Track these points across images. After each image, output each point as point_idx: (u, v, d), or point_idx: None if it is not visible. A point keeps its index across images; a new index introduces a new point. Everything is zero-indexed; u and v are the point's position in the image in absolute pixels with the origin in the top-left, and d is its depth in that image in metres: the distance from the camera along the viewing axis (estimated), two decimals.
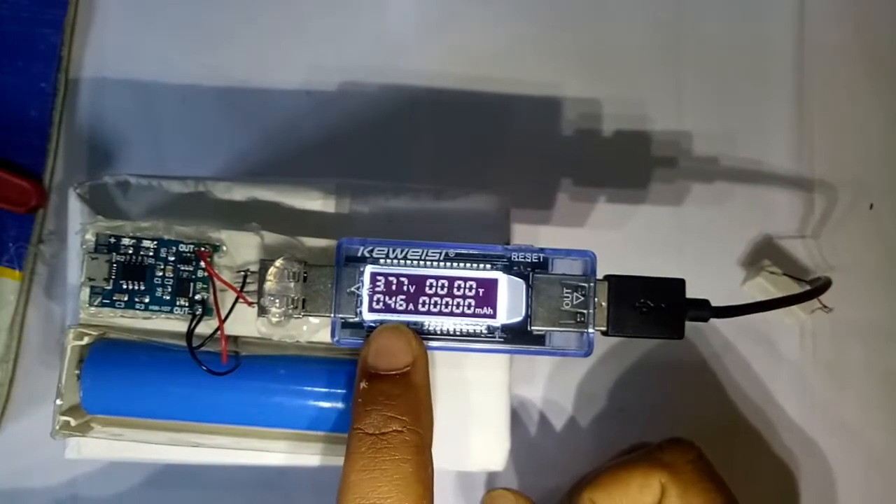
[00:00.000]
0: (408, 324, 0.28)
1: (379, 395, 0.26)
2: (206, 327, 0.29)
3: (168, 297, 0.29)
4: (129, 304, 0.29)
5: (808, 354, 0.41)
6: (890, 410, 0.41)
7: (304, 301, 0.28)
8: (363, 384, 0.27)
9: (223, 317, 0.29)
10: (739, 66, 0.43)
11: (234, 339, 0.30)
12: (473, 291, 0.28)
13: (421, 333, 0.28)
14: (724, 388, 0.41)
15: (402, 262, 0.28)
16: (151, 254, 0.29)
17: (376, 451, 0.25)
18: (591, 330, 0.28)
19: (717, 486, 0.33)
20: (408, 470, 0.25)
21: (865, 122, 0.43)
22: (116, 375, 0.30)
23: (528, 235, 0.40)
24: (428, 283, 0.28)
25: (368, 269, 0.28)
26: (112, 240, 0.29)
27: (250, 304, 0.29)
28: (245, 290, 0.29)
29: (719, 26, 0.43)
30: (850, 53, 0.43)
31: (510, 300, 0.28)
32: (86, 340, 0.30)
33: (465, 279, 0.28)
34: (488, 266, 0.28)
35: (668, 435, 0.36)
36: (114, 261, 0.29)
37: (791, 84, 0.42)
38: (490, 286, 0.28)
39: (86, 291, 0.29)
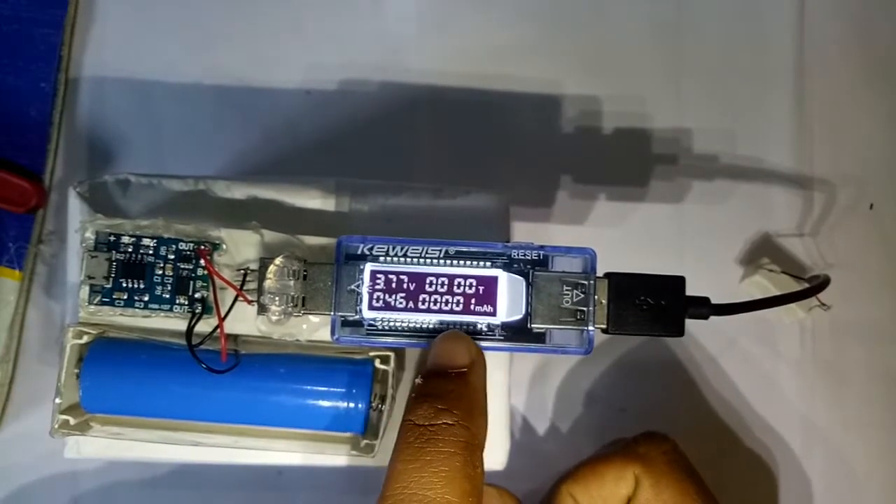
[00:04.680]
0: (409, 321, 0.28)
1: (433, 390, 0.26)
2: (205, 326, 0.29)
3: (168, 296, 0.29)
4: (129, 303, 0.29)
5: (808, 354, 0.41)
6: (890, 409, 0.41)
7: (303, 299, 0.28)
8: (418, 380, 0.26)
9: (223, 315, 0.29)
10: (739, 65, 0.43)
11: (234, 338, 0.30)
12: (473, 289, 0.28)
13: (421, 332, 0.28)
14: (724, 387, 0.41)
15: (401, 259, 0.28)
16: (151, 252, 0.29)
17: (424, 441, 0.24)
18: (591, 327, 0.28)
19: (689, 477, 0.34)
20: (455, 464, 0.24)
21: (865, 121, 0.43)
22: (115, 374, 0.29)
23: (529, 233, 0.40)
24: (428, 281, 0.28)
25: (368, 266, 0.28)
26: (112, 238, 0.29)
27: (250, 302, 0.29)
28: (245, 288, 0.29)
29: (719, 25, 0.43)
30: (850, 53, 0.43)
31: (510, 298, 0.28)
32: (85, 339, 0.30)
33: (465, 277, 0.28)
34: (488, 264, 0.28)
35: (669, 433, 0.36)
36: (113, 259, 0.29)
37: (791, 83, 0.42)
38: (490, 284, 0.28)
39: (85, 290, 0.29)
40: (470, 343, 0.27)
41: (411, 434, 0.25)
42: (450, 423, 0.25)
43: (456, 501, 0.23)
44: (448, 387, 0.26)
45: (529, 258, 0.28)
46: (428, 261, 0.28)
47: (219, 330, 0.29)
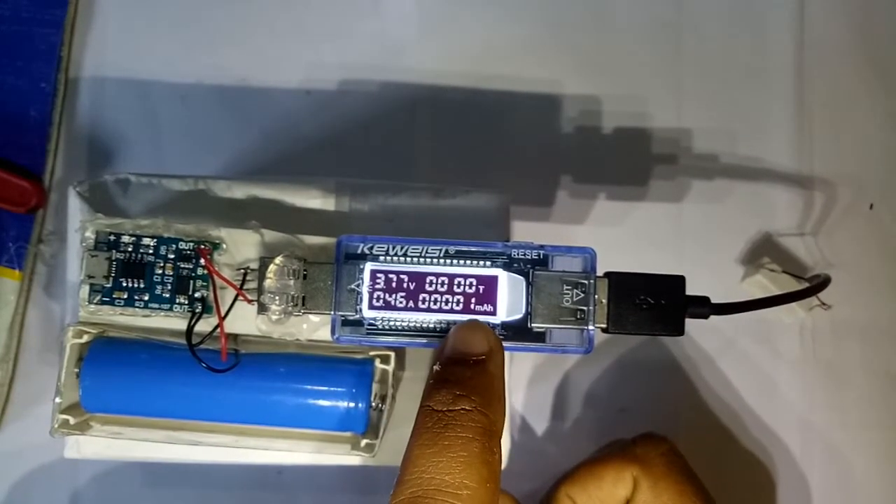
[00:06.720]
0: (409, 321, 0.28)
1: (451, 376, 0.25)
2: (205, 325, 0.29)
3: (168, 295, 0.29)
4: (129, 302, 0.29)
5: (808, 354, 0.41)
6: (890, 409, 0.41)
7: (303, 298, 0.28)
8: (436, 367, 0.26)
9: (223, 314, 0.29)
10: (739, 64, 0.43)
11: (234, 337, 0.30)
12: (473, 288, 0.28)
13: (422, 331, 0.28)
14: (724, 387, 0.41)
15: (402, 259, 0.28)
16: (151, 251, 0.29)
17: (442, 427, 0.24)
18: (591, 327, 0.28)
19: (687, 478, 0.34)
20: (473, 449, 0.24)
21: (865, 121, 0.43)
22: (115, 373, 0.30)
23: (529, 233, 0.39)
24: (428, 280, 0.28)
25: (368, 266, 0.28)
26: (112, 237, 0.29)
27: (250, 301, 0.29)
28: (245, 287, 0.29)
29: (719, 26, 0.43)
30: (850, 53, 0.43)
31: (510, 297, 0.28)
32: (85, 338, 0.30)
33: (466, 276, 0.28)
34: (488, 263, 0.28)
35: (669, 433, 0.36)
36: (113, 258, 0.29)
37: (791, 83, 0.42)
38: (490, 283, 0.28)
39: (85, 289, 0.29)
40: (489, 331, 0.27)
41: (429, 419, 0.24)
42: (468, 408, 0.24)
43: (474, 487, 0.23)
44: (466, 373, 0.25)
45: (529, 257, 0.28)
46: (428, 260, 0.28)
47: (219, 329, 0.29)
